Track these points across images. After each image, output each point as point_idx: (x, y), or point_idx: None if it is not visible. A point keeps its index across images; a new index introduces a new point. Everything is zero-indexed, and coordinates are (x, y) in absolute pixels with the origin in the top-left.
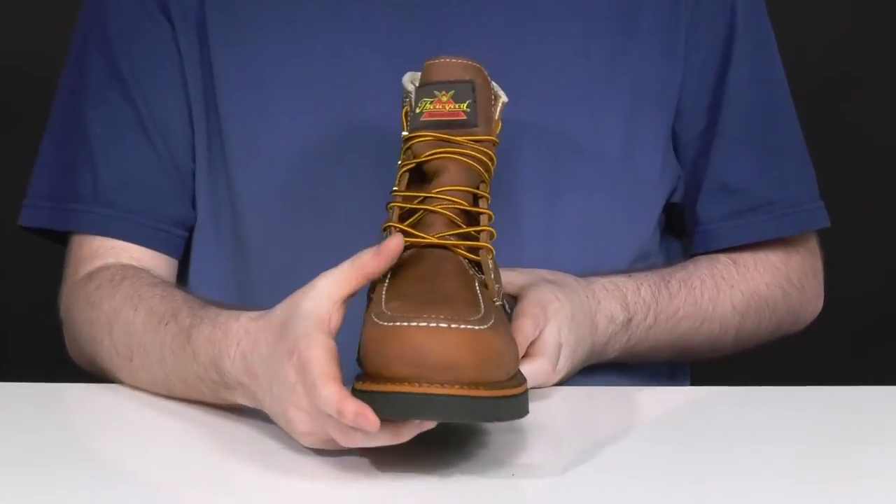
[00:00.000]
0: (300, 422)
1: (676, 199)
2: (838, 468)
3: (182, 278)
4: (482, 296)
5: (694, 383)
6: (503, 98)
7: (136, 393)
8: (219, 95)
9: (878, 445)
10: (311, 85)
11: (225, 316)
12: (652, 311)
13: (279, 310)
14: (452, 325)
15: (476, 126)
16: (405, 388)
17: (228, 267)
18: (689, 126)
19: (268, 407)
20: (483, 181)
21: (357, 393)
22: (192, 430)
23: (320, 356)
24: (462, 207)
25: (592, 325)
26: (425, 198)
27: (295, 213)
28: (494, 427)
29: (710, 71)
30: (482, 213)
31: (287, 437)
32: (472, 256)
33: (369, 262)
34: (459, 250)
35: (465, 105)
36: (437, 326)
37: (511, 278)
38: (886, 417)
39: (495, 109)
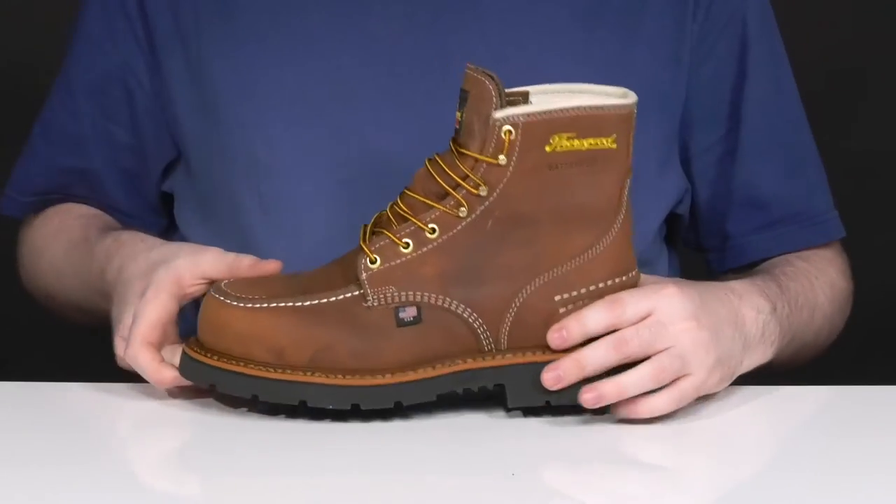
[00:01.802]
0: (118, 349)
1: (681, 210)
2: (849, 466)
3: None
4: (338, 291)
5: None
6: (502, 117)
7: (138, 392)
8: (219, 108)
9: (881, 444)
10: (309, 94)
11: (129, 234)
12: (783, 300)
13: (165, 248)
14: (222, 299)
15: (459, 136)
16: (186, 348)
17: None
18: (702, 138)
19: (112, 318)
20: (448, 194)
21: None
22: (193, 428)
23: (150, 317)
24: (398, 211)
25: (737, 317)
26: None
27: (297, 224)
28: (494, 427)
29: (725, 83)
30: (413, 222)
31: (287, 438)
32: (372, 256)
33: (244, 269)
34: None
35: (460, 114)
36: (213, 297)
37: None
38: (890, 416)
39: (491, 127)
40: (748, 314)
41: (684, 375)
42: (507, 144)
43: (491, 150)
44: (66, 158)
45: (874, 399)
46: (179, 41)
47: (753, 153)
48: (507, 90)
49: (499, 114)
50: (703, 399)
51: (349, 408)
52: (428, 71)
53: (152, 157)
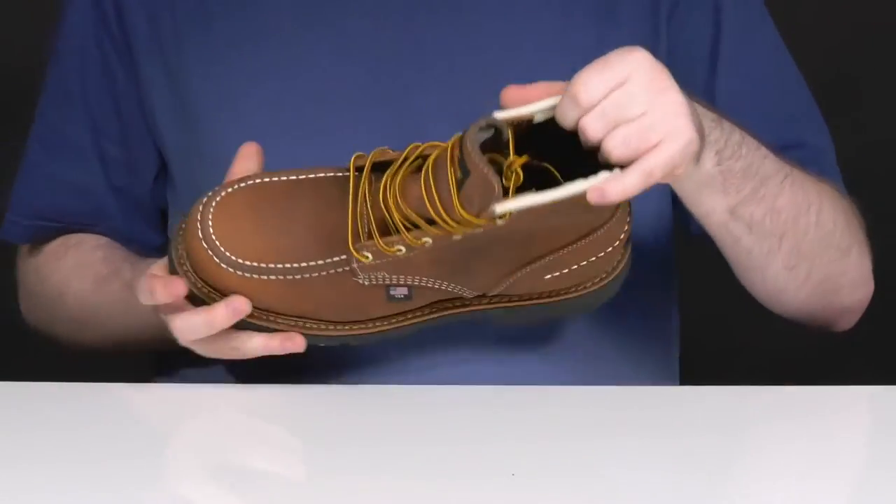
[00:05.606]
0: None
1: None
2: (834, 467)
3: None
4: (329, 265)
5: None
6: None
7: (138, 392)
8: (199, 117)
9: (875, 444)
10: (287, 99)
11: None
12: (737, 131)
13: None
14: (213, 256)
15: (458, 191)
16: None
17: None
18: None
19: None
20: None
21: None
22: (193, 429)
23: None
24: (393, 219)
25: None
26: None
27: None
28: (495, 427)
29: (700, 48)
30: (406, 237)
31: (286, 438)
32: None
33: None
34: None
35: (460, 173)
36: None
37: None
38: (883, 417)
39: (489, 212)
40: (696, 105)
41: (655, 146)
42: (503, 217)
43: (488, 220)
44: (66, 169)
45: (874, 399)
46: (158, 49)
47: (728, 111)
48: (487, 120)
49: (500, 208)
50: (702, 399)
51: (338, 344)
52: (405, 67)
53: (141, 171)
